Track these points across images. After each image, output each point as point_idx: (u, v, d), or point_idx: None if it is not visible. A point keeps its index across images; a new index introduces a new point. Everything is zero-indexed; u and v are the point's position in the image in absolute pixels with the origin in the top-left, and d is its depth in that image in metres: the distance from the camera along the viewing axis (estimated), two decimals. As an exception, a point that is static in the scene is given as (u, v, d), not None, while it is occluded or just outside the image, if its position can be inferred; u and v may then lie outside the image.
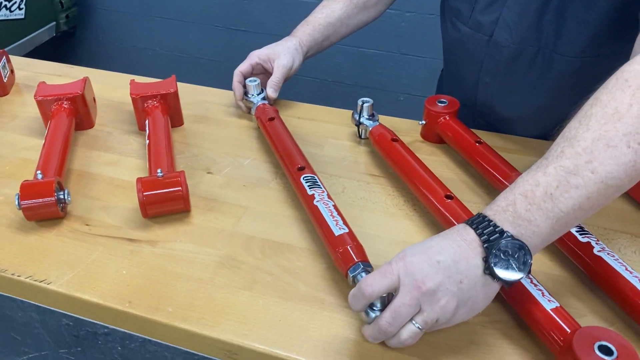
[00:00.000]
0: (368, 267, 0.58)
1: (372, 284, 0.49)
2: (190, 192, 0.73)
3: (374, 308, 0.53)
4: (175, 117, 0.90)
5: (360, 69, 2.28)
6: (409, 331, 0.49)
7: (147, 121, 0.84)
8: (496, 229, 0.48)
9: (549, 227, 0.48)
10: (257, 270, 0.64)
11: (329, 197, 0.67)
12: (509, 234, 0.48)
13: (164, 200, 0.69)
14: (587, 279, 0.62)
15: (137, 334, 0.62)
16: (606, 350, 0.47)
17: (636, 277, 0.56)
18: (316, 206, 0.65)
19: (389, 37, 2.17)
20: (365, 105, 0.84)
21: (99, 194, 0.76)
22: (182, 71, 2.59)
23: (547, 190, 0.48)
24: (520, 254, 0.48)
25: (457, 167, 0.82)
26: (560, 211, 0.48)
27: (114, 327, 0.63)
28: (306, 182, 0.69)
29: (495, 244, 0.47)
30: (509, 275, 0.48)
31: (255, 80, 0.91)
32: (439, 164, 0.82)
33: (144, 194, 0.68)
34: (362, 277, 0.57)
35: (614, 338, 0.48)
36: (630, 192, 0.63)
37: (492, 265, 0.48)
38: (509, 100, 0.87)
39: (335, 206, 0.66)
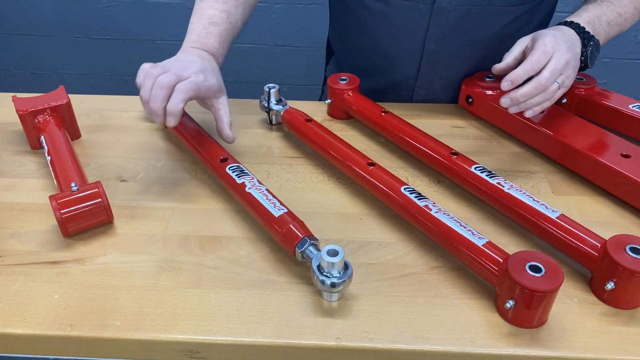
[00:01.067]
0: (314, 241, 0.60)
1: (540, 59, 0.70)
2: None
3: (329, 276, 0.55)
4: (71, 130, 0.83)
5: (239, 64, 2.26)
6: (554, 87, 0.71)
7: (42, 138, 0.78)
8: (586, 33, 0.75)
9: (602, 42, 0.78)
10: (200, 266, 0.63)
11: (260, 182, 0.68)
12: (595, 38, 0.76)
13: (85, 215, 0.65)
14: (502, 216, 0.69)
15: (85, 358, 0.58)
16: (536, 269, 0.54)
17: (543, 204, 0.64)
18: (249, 193, 0.66)
19: (262, 30, 2.18)
20: (272, 90, 0.85)
21: (3, 222, 0.69)
22: (45, 89, 2.38)
23: (608, 20, 0.79)
24: (597, 51, 0.77)
25: (366, 138, 0.87)
26: (608, 34, 0.79)
27: (55, 356, 0.58)
28: (233, 172, 0.69)
29: (591, 41, 0.75)
30: (592, 62, 0.76)
31: (153, 80, 0.87)
32: (350, 138, 0.85)
33: (62, 211, 0.63)
34: (310, 251, 0.58)
35: (540, 258, 0.55)
36: (619, 195, 0.71)
37: (589, 54, 0.75)
38: (456, 60, 0.89)
39: (268, 190, 0.66)
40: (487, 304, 0.58)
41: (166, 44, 2.08)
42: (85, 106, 0.92)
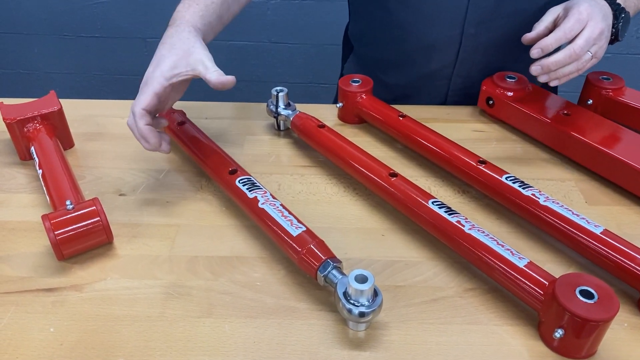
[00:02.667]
0: (337, 263, 0.54)
1: (573, 27, 0.68)
2: (107, 220, 0.63)
3: (357, 304, 0.50)
4: (63, 139, 0.77)
5: (233, 62, 2.20)
6: (587, 56, 0.69)
7: (32, 148, 0.71)
8: (617, 5, 0.73)
9: (631, 14, 0.75)
10: (211, 292, 0.57)
11: (273, 196, 0.62)
12: (626, 10, 0.73)
13: (82, 236, 0.59)
14: (536, 229, 0.64)
15: (85, 399, 0.52)
16: (587, 294, 0.48)
17: (583, 218, 0.59)
18: (263, 209, 0.60)
19: (257, 27, 2.12)
20: (280, 94, 0.79)
21: (-9, 243, 0.63)
22: (32, 89, 2.30)
23: None
24: (628, 24, 0.74)
25: (382, 144, 0.81)
26: (638, 7, 0.78)
27: (52, 397, 0.52)
28: (244, 185, 0.63)
29: (622, 13, 0.72)
30: (622, 35, 0.74)
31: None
32: (364, 144, 0.79)
33: (56, 232, 0.57)
34: (333, 275, 0.53)
35: (591, 281, 0.49)
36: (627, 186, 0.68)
37: (620, 27, 0.72)
38: (496, 43, 0.86)
39: (283, 205, 0.61)
40: (528, 331, 0.53)
41: (157, 41, 2.00)
42: (79, 112, 0.86)
